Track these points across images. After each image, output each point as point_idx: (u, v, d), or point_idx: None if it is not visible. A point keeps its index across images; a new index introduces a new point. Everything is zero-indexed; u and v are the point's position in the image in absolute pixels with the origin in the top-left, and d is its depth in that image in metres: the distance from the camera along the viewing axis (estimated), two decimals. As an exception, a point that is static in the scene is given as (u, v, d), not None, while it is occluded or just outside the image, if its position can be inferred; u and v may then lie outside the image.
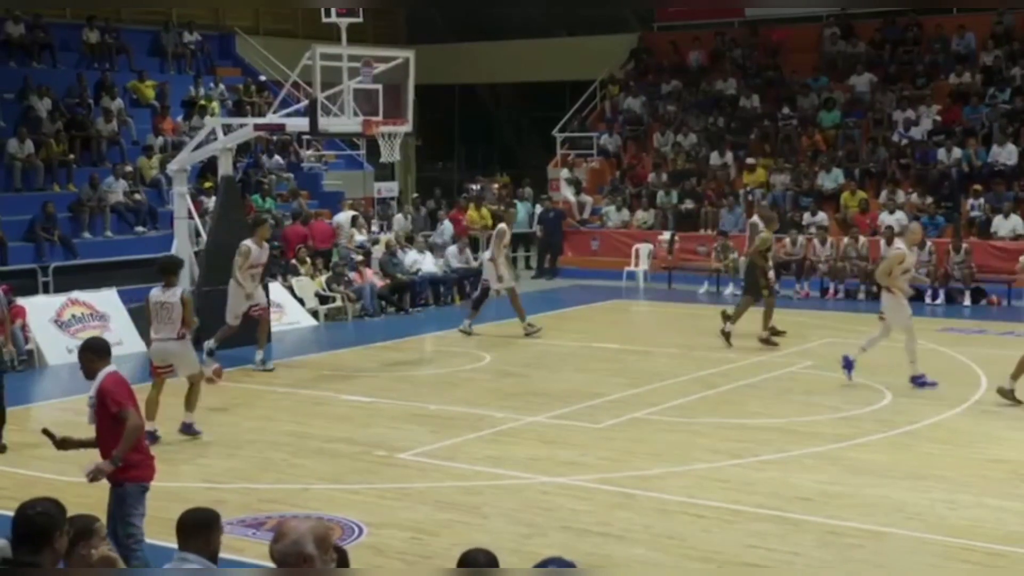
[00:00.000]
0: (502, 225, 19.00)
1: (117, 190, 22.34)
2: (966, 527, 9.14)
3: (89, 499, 9.64)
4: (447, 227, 25.01)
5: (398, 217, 25.57)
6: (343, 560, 4.95)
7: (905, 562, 8.51)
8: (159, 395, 12.09)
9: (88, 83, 24.84)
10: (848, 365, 14.39)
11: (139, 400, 11.32)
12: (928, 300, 21.82)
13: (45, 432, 7.77)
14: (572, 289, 24.84)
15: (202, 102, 25.97)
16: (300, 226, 22.58)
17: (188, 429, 12.24)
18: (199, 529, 5.65)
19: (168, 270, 12.27)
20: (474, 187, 30.48)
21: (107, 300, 17.64)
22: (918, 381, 14.19)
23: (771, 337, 17.07)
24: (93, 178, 22.08)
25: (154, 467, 7.87)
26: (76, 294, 17.50)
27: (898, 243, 14.82)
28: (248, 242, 15.67)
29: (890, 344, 17.25)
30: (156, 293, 12.18)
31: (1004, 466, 10.87)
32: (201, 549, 5.59)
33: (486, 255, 19.14)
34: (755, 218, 18.49)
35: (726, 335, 17.05)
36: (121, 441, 7.52)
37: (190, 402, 12.25)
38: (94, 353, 7.82)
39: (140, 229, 22.19)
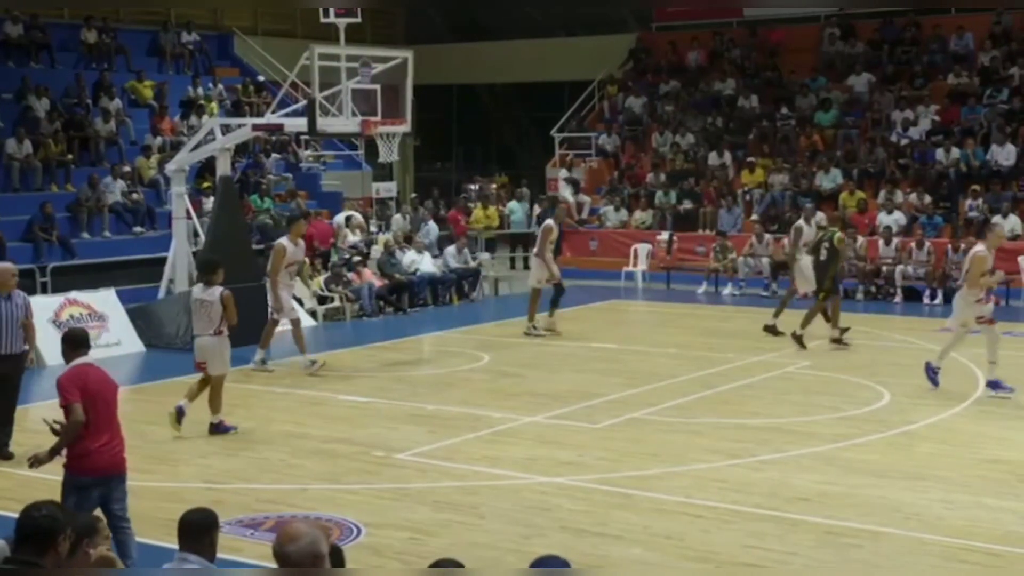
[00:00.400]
0: (549, 222, 18.76)
1: (115, 190, 22.34)
2: (964, 527, 9.15)
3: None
4: (432, 227, 24.93)
5: (396, 217, 25.55)
6: (339, 559, 4.96)
7: (903, 562, 8.51)
8: (200, 389, 12.38)
9: (86, 83, 24.84)
10: (992, 385, 13.89)
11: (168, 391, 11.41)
12: (927, 300, 21.88)
13: (46, 422, 8.12)
14: (570, 289, 24.62)
15: (202, 102, 25.97)
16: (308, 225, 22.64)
17: (218, 428, 12.32)
18: (201, 530, 5.67)
19: (205, 270, 12.56)
20: (473, 187, 30.50)
21: (105, 300, 17.62)
22: (931, 369, 14.04)
23: (802, 339, 16.92)
24: (92, 178, 22.07)
25: (103, 463, 7.91)
26: (74, 294, 17.48)
27: (979, 246, 14.15)
28: (283, 240, 15.87)
29: (889, 344, 17.28)
30: (197, 291, 12.49)
31: (1002, 466, 10.87)
32: (202, 550, 5.61)
33: (532, 251, 18.92)
34: (800, 222, 18.28)
35: (837, 339, 17.04)
36: (61, 434, 7.83)
37: (213, 403, 12.37)
38: (67, 343, 8.15)
39: (138, 229, 22.18)
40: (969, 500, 9.84)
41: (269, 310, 15.92)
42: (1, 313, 10.98)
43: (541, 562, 4.52)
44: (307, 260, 21.16)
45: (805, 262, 17.79)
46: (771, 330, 17.71)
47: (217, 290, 12.25)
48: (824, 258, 16.97)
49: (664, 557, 8.61)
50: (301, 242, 16.24)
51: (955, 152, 24.78)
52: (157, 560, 6.69)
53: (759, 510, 9.54)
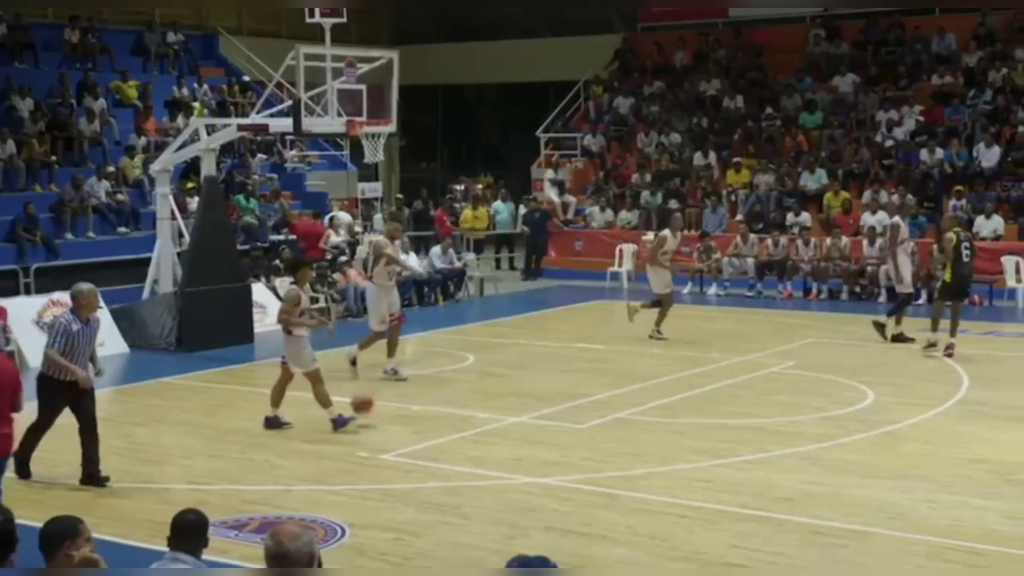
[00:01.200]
0: (665, 232, 18.40)
1: (99, 191, 22.26)
2: (948, 527, 9.17)
3: (72, 501, 9.66)
4: None
5: (378, 217, 25.54)
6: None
7: (888, 562, 8.53)
8: (283, 384, 12.52)
9: (70, 83, 24.75)
10: None
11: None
12: (911, 300, 21.94)
13: None
14: (556, 289, 24.85)
15: (194, 104, 25.87)
16: (320, 223, 22.81)
17: (339, 422, 12.30)
18: (197, 530, 5.69)
19: (285, 268, 12.70)
20: (458, 187, 30.47)
21: (89, 301, 17.52)
22: None
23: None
24: (76, 178, 21.98)
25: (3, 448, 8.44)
26: (58, 295, 17.38)
27: None
28: (381, 237, 15.60)
29: (873, 344, 17.34)
30: None
31: (985, 466, 10.90)
32: (196, 550, 5.62)
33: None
34: (896, 219, 17.91)
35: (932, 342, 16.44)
36: None
37: (320, 399, 12.38)
38: None
39: (123, 230, 22.11)
40: (953, 500, 9.87)
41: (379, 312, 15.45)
42: (81, 338, 10.27)
43: (525, 562, 4.51)
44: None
45: (902, 260, 17.47)
46: (900, 338, 17.22)
47: (289, 289, 12.53)
48: (967, 259, 16.47)
49: (649, 557, 8.61)
50: (398, 241, 16.03)
51: (939, 152, 24.88)
52: (143, 561, 6.66)
53: (744, 510, 9.55)
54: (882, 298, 22.05)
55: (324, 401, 12.38)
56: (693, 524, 9.29)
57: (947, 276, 16.47)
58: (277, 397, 12.57)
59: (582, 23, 32.61)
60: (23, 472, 10.43)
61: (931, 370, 15.46)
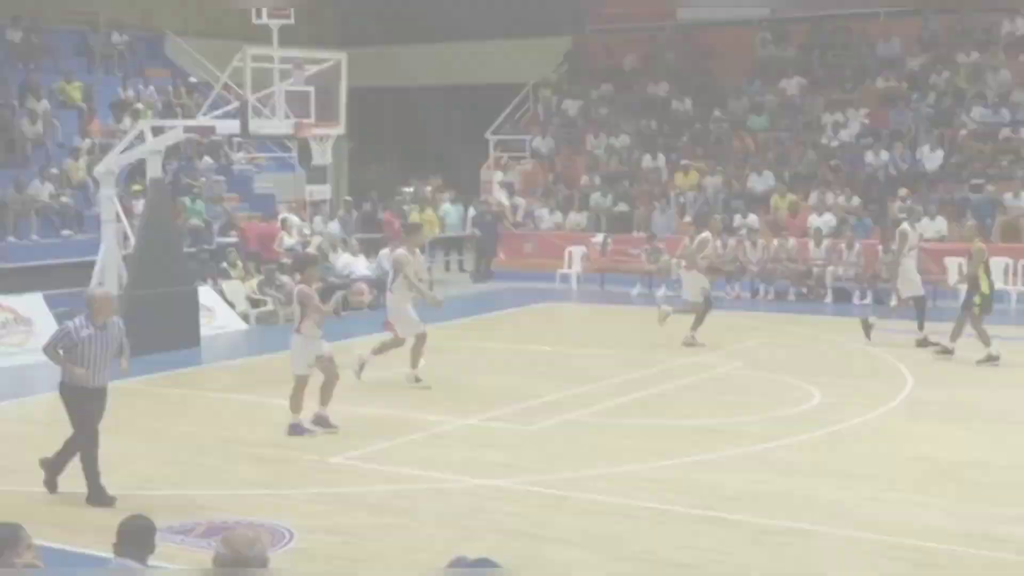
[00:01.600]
0: (706, 234, 17.82)
1: (43, 193, 21.96)
2: (893, 525, 9.27)
3: (16, 507, 9.51)
4: (334, 227, 24.84)
5: (319, 219, 25.39)
6: None
7: (835, 560, 8.61)
8: (326, 384, 12.43)
9: (12, 84, 24.40)
10: None
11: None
12: (856, 300, 22.18)
13: None
14: (505, 291, 24.85)
15: (138, 106, 25.58)
16: (274, 224, 22.61)
17: (297, 430, 12.20)
18: (142, 536, 5.62)
19: (293, 267, 12.84)
20: (407, 189, 30.40)
21: (32, 305, 17.33)
22: None
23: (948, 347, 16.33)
24: (19, 181, 21.67)
25: None
26: (0, 298, 17.16)
27: None
28: (402, 251, 15.14)
29: (819, 345, 17.50)
30: None
31: (929, 464, 11.04)
32: (142, 556, 5.57)
33: (682, 263, 18.14)
34: (905, 226, 17.48)
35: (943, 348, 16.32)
36: None
37: (292, 402, 12.30)
38: None
39: (66, 232, 21.82)
40: (898, 497, 9.98)
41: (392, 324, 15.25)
42: (93, 343, 9.91)
43: (468, 563, 4.51)
44: (241, 263, 21.05)
45: (909, 266, 17.30)
46: (926, 343, 16.96)
47: (295, 288, 12.40)
48: None
49: (599, 558, 8.63)
50: (418, 252, 15.62)
51: (884, 155, 25.17)
52: (89, 568, 6.58)
53: (693, 510, 9.60)
54: (828, 299, 22.29)
55: (295, 406, 12.28)
56: (642, 524, 9.33)
57: (984, 289, 15.92)
58: (325, 396, 12.44)
59: (531, 25, 32.63)
60: (99, 498, 9.92)
61: (876, 370, 15.62)
